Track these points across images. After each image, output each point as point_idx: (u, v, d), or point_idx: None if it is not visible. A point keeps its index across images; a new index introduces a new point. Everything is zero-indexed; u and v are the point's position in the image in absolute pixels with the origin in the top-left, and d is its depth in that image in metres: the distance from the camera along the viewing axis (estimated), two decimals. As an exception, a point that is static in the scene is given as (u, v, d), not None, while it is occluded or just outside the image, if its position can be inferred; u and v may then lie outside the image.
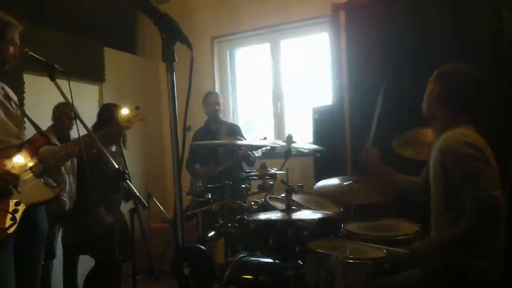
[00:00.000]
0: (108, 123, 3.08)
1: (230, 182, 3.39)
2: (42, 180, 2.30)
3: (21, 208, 2.14)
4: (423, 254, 2.02)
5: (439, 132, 2.09)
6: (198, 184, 4.02)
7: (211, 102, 4.42)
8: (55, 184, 2.37)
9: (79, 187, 3.44)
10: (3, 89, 2.33)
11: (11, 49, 2.23)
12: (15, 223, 2.10)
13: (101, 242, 3.26)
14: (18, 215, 2.12)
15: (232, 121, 5.40)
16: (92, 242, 3.29)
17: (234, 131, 4.36)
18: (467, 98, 2.08)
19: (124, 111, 2.79)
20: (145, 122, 2.94)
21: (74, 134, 3.85)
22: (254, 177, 3.31)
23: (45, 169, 2.31)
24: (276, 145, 3.53)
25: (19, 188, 2.16)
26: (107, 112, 3.41)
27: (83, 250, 3.50)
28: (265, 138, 3.40)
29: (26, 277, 2.28)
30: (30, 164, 2.26)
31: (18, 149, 2.25)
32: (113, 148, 3.45)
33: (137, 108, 2.88)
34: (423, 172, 2.36)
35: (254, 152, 4.36)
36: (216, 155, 4.28)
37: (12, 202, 2.13)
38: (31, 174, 2.26)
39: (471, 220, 1.88)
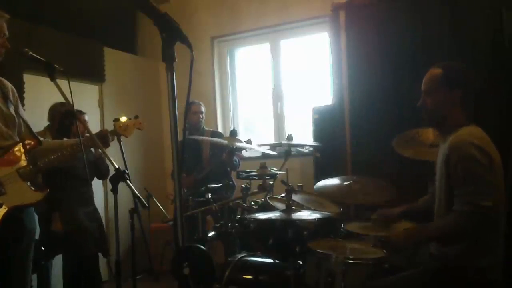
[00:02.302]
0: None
1: (231, 182, 3.40)
2: (29, 183, 2.28)
3: (2, 210, 2.12)
4: (402, 242, 2.02)
5: (448, 133, 2.07)
6: (184, 191, 4.01)
7: (194, 111, 4.37)
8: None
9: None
10: (3, 87, 2.32)
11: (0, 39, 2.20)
12: None
13: (68, 240, 3.29)
14: None
15: (232, 122, 5.39)
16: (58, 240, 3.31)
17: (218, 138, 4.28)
18: (476, 97, 2.09)
19: (122, 119, 2.80)
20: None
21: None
22: (254, 177, 3.31)
23: (34, 171, 2.29)
24: (271, 152, 3.55)
25: (3, 190, 2.14)
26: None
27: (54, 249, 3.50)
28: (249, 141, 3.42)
29: (16, 275, 2.27)
30: (18, 166, 2.24)
31: (6, 150, 2.24)
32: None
33: (135, 117, 2.89)
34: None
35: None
36: (200, 162, 4.28)
37: None
38: (17, 176, 2.24)
39: (456, 220, 1.89)
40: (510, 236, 2.07)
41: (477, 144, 1.91)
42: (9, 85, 2.38)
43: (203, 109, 4.46)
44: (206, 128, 4.54)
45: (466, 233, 1.90)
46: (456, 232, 1.92)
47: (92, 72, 4.64)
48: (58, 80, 2.22)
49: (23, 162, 2.26)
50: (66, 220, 3.29)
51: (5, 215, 2.12)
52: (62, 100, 2.22)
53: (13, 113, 2.33)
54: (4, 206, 2.13)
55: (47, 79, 2.22)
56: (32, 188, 2.29)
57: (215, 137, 4.25)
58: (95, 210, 3.61)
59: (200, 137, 4.10)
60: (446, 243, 1.98)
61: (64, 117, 3.35)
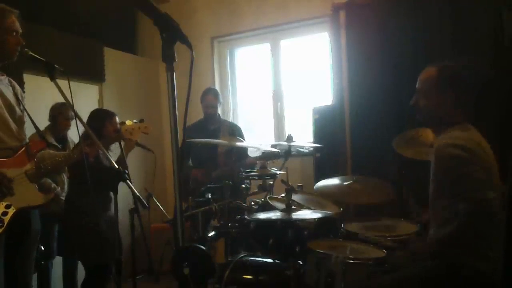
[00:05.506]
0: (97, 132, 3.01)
1: (230, 182, 3.38)
2: (36, 184, 2.28)
3: (11, 211, 2.13)
4: (421, 254, 2.03)
5: (439, 133, 2.07)
6: (190, 183, 3.95)
7: (207, 105, 4.20)
8: (53, 186, 2.36)
9: (72, 191, 3.32)
10: (14, 88, 2.33)
11: (12, 38, 2.19)
12: (2, 226, 2.09)
13: (92, 248, 3.03)
14: (6, 218, 2.10)
15: (232, 121, 5.37)
16: (82, 248, 3.10)
17: (234, 132, 4.12)
18: (476, 97, 2.09)
19: (128, 123, 2.76)
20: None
21: (70, 134, 3.85)
22: (254, 177, 3.31)
23: (41, 173, 2.29)
24: (273, 149, 3.49)
25: (12, 191, 2.15)
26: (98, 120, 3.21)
27: (74, 254, 3.35)
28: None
29: (20, 275, 2.28)
30: (26, 167, 2.24)
31: (15, 151, 2.24)
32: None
33: (141, 120, 2.85)
34: None
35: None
36: (215, 157, 4.13)
37: (2, 205, 2.12)
38: (25, 178, 2.24)
39: (460, 221, 1.89)
40: (510, 237, 2.06)
41: (457, 143, 1.91)
42: (18, 86, 2.40)
43: (215, 101, 4.23)
44: (223, 118, 4.34)
45: (470, 232, 1.90)
46: (460, 233, 1.91)
47: (92, 72, 4.63)
48: (58, 80, 2.22)
49: (31, 164, 2.26)
50: (89, 226, 3.04)
51: (13, 215, 2.13)
52: (62, 100, 2.23)
53: (23, 114, 2.34)
54: (12, 207, 2.14)
55: (47, 79, 2.22)
56: (39, 190, 2.29)
57: (232, 130, 4.11)
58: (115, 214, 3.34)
59: (207, 140, 3.79)
60: (450, 245, 1.97)
61: (92, 120, 3.15)
